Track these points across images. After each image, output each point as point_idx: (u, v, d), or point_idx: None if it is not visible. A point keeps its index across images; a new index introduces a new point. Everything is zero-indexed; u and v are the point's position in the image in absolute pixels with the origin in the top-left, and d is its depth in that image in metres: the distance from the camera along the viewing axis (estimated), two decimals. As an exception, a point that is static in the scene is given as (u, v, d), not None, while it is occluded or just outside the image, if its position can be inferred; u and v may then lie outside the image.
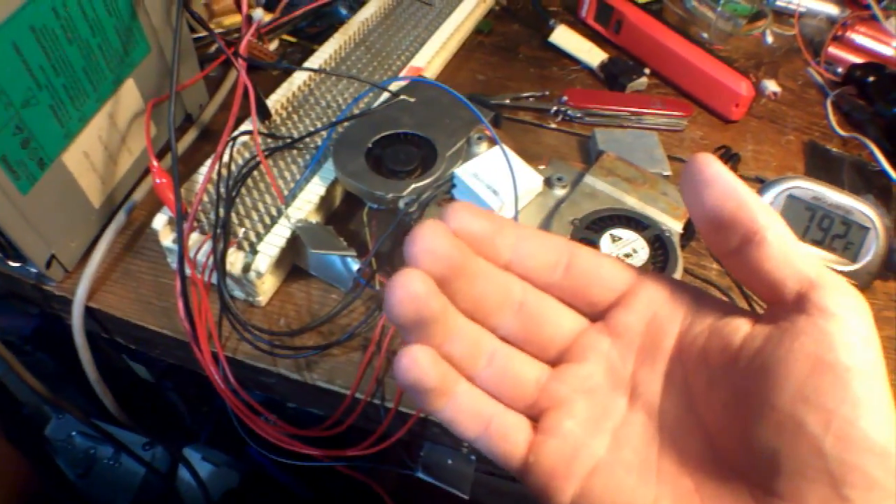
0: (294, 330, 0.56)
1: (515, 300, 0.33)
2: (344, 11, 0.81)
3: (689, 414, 0.32)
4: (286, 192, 0.59)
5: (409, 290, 0.29)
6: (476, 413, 0.33)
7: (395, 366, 0.30)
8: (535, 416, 0.34)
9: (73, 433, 0.94)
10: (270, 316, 0.59)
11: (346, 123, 0.62)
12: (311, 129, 0.65)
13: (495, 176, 0.55)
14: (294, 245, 0.58)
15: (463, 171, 0.56)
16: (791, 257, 0.29)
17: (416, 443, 0.58)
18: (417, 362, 0.30)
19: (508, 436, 0.33)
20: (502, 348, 0.34)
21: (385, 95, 0.65)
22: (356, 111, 0.65)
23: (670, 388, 0.33)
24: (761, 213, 0.29)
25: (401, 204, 0.56)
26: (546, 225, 0.55)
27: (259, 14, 0.58)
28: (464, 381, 0.33)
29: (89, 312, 0.60)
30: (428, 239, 0.29)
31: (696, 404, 0.32)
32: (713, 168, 0.29)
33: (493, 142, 0.59)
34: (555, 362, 0.35)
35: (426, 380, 0.30)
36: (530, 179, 0.56)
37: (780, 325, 0.29)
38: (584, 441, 0.32)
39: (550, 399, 0.34)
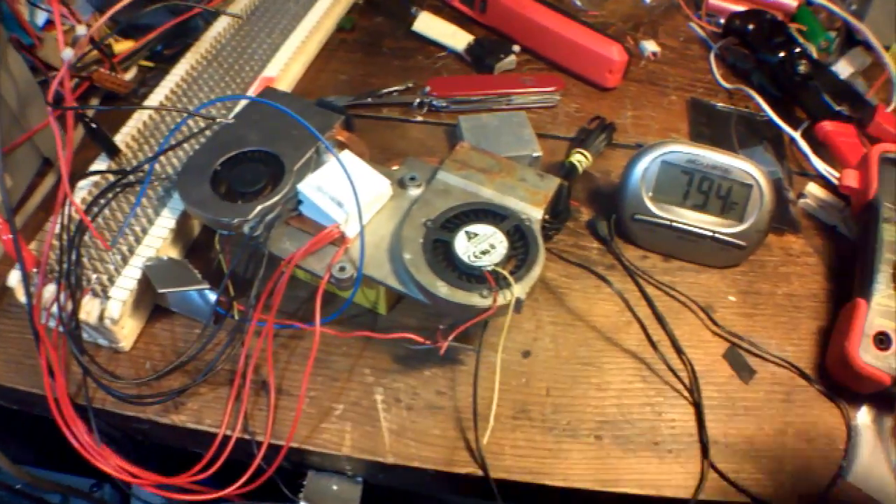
0: (158, 373, 0.54)
1: None
2: (202, 27, 0.78)
3: None
4: (110, 240, 0.56)
5: None
6: None
7: None
8: None
9: (19, 486, 0.92)
10: (136, 360, 0.56)
11: (195, 148, 0.60)
12: (163, 157, 0.62)
13: (340, 187, 0.53)
14: (151, 285, 0.55)
15: (306, 186, 0.53)
16: None
17: (300, 472, 0.56)
18: None
19: None
20: None
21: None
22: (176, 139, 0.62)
23: None
24: None
25: (245, 229, 0.53)
26: (398, 230, 0.53)
27: (68, 54, 0.54)
28: None
29: (-35, 379, 0.57)
30: None
31: None
32: None
33: (343, 147, 0.56)
34: None
35: None
36: (376, 185, 0.54)
37: None
38: None
39: None
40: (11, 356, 0.58)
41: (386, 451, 0.52)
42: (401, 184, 0.56)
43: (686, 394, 0.56)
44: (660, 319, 0.59)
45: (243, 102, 0.63)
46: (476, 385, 0.53)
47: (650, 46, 0.82)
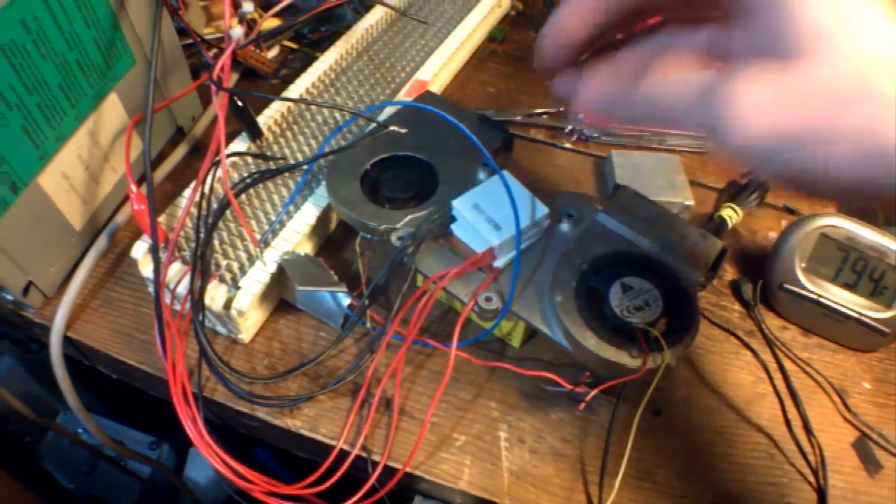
0: (278, 373, 0.52)
1: None
2: (350, 16, 0.76)
3: None
4: (258, 233, 0.54)
5: None
6: None
7: None
8: None
9: (80, 430, 0.92)
10: (254, 354, 0.55)
11: (340, 145, 0.58)
12: (306, 147, 0.61)
13: (498, 208, 0.50)
14: (281, 278, 0.54)
15: (462, 203, 0.51)
16: None
17: (406, 496, 0.54)
18: None
19: None
20: None
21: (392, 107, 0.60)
22: (344, 136, 0.60)
23: None
24: None
25: (394, 239, 0.51)
26: (551, 267, 0.51)
27: (238, 32, 0.53)
28: None
29: (69, 341, 0.56)
30: None
31: None
32: None
33: (501, 165, 0.54)
34: None
35: None
36: (536, 213, 0.51)
37: None
38: None
39: None
40: (122, 327, 0.57)
41: (504, 492, 0.49)
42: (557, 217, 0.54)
43: (811, 479, 0.53)
44: (794, 397, 0.56)
45: (389, 111, 0.61)
46: (609, 440, 0.50)
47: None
